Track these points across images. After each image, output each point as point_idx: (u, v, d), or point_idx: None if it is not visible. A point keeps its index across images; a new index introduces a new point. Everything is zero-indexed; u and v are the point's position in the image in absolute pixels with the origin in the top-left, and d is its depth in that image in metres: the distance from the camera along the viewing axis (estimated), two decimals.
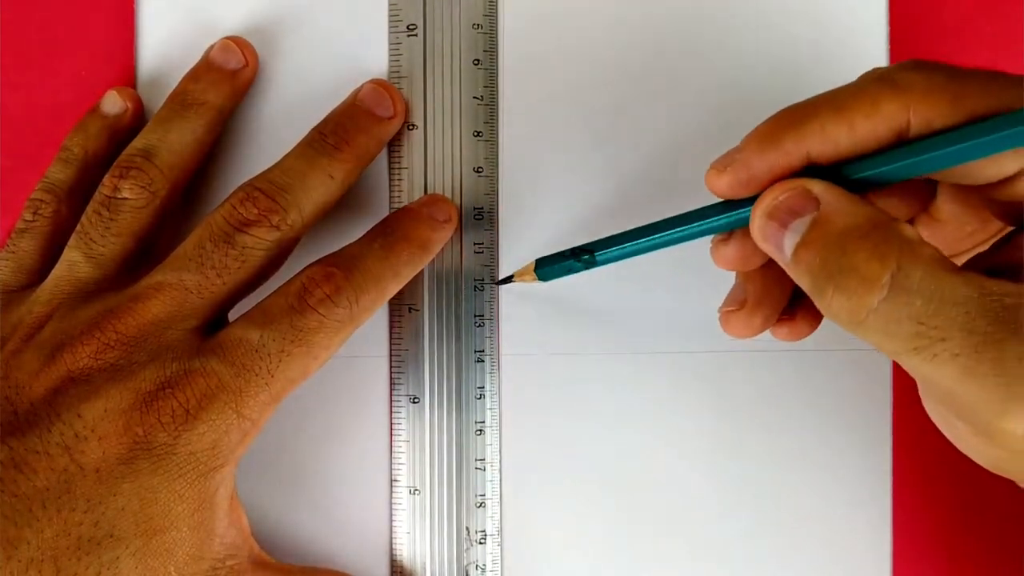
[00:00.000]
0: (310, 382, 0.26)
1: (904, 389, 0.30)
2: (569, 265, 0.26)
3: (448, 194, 0.29)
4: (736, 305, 0.24)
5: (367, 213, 0.30)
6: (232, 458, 0.24)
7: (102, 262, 0.26)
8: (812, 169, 0.20)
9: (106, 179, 0.27)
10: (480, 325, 0.29)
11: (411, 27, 0.29)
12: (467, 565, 0.29)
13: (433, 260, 0.29)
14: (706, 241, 0.29)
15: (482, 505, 0.29)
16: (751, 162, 0.21)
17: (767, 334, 0.30)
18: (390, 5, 0.30)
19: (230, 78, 0.29)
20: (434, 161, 0.29)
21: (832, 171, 0.20)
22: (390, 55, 0.30)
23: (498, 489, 0.30)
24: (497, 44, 0.30)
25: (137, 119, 0.29)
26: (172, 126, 0.27)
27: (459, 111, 0.29)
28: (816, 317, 0.24)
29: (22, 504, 0.22)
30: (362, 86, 0.29)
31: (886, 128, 0.20)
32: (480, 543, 0.29)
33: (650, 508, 0.30)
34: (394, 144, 0.29)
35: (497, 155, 0.30)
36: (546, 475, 0.30)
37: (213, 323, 0.25)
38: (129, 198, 0.26)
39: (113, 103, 0.29)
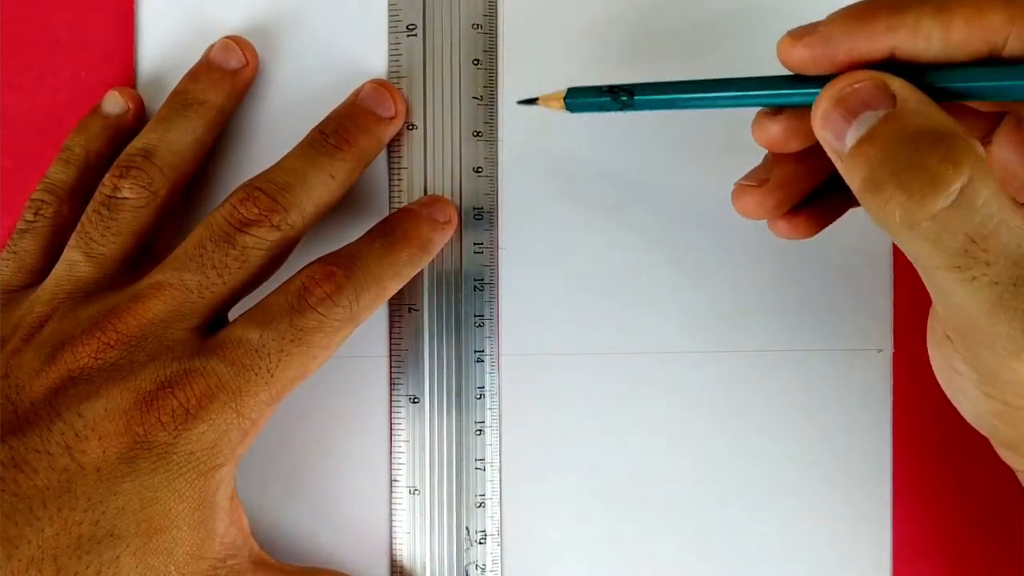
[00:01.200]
0: (310, 382, 0.26)
1: (904, 389, 0.30)
2: (603, 102, 0.24)
3: (448, 194, 0.29)
4: (756, 182, 0.23)
5: (367, 213, 0.30)
6: (232, 457, 0.24)
7: (102, 261, 0.26)
8: (893, 67, 0.19)
9: (106, 179, 0.27)
10: (480, 325, 0.29)
11: (411, 27, 0.29)
12: (467, 565, 0.29)
13: (433, 260, 0.29)
14: (708, 240, 0.30)
15: (482, 505, 0.29)
16: (833, 39, 0.19)
17: (764, 335, 0.30)
18: (390, 5, 0.30)
19: (230, 77, 0.29)
20: (434, 161, 0.29)
21: (914, 75, 0.19)
22: (390, 55, 0.30)
23: (498, 489, 0.30)
24: (497, 44, 0.30)
25: (138, 119, 0.29)
26: (172, 125, 0.27)
27: (459, 111, 0.29)
28: (818, 224, 0.24)
29: (22, 503, 0.22)
30: (363, 86, 0.29)
31: (982, 39, 0.18)
32: (480, 543, 0.29)
33: (650, 508, 0.30)
34: (394, 144, 0.29)
35: (497, 155, 0.30)
36: (546, 475, 0.30)
37: (213, 323, 0.25)
38: (129, 197, 0.26)
39: (115, 103, 0.29)
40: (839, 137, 0.19)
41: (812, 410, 0.30)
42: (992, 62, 0.19)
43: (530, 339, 0.30)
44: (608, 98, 0.24)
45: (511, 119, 0.30)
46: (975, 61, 0.19)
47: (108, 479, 0.22)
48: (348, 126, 0.27)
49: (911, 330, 0.30)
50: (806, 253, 0.30)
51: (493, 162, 0.30)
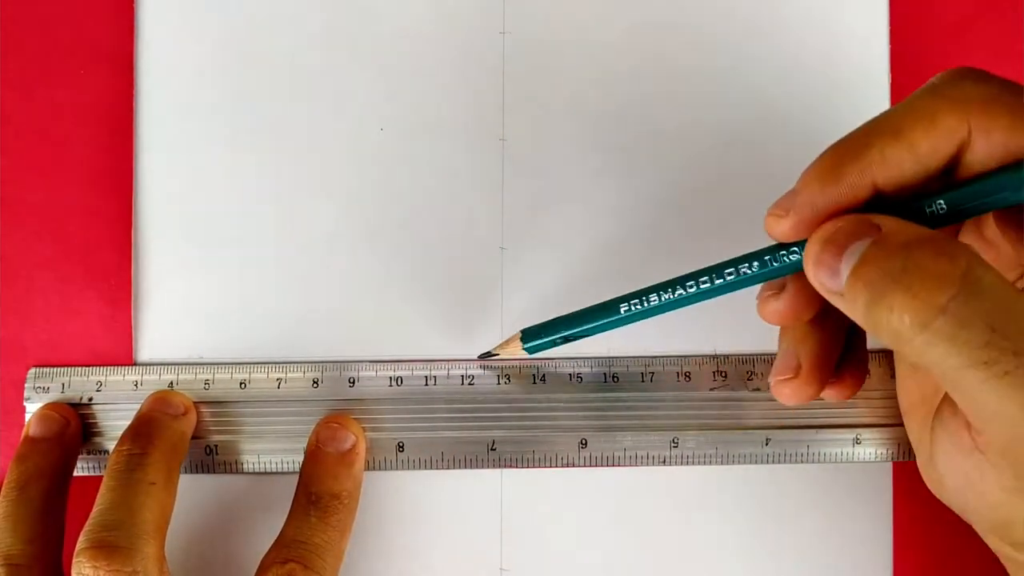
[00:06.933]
0: None
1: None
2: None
3: None
4: (791, 372, 0.23)
5: None
6: None
7: None
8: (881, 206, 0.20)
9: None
10: None
11: None
12: None
13: None
14: (710, 241, 0.29)
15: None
16: (815, 201, 0.20)
17: (763, 337, 0.29)
18: None
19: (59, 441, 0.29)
20: None
21: (905, 207, 0.20)
22: None
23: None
24: None
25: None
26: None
27: None
28: (861, 374, 0.24)
29: None
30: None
31: (947, 143, 0.19)
32: None
33: (646, 512, 0.30)
34: None
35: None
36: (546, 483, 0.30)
37: None
38: None
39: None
40: (834, 274, 0.19)
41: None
42: (966, 181, 0.19)
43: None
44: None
45: (513, 119, 0.30)
46: (953, 165, 0.20)
47: None
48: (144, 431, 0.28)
49: None
50: None
51: None
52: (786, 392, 0.23)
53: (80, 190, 0.30)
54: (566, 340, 0.26)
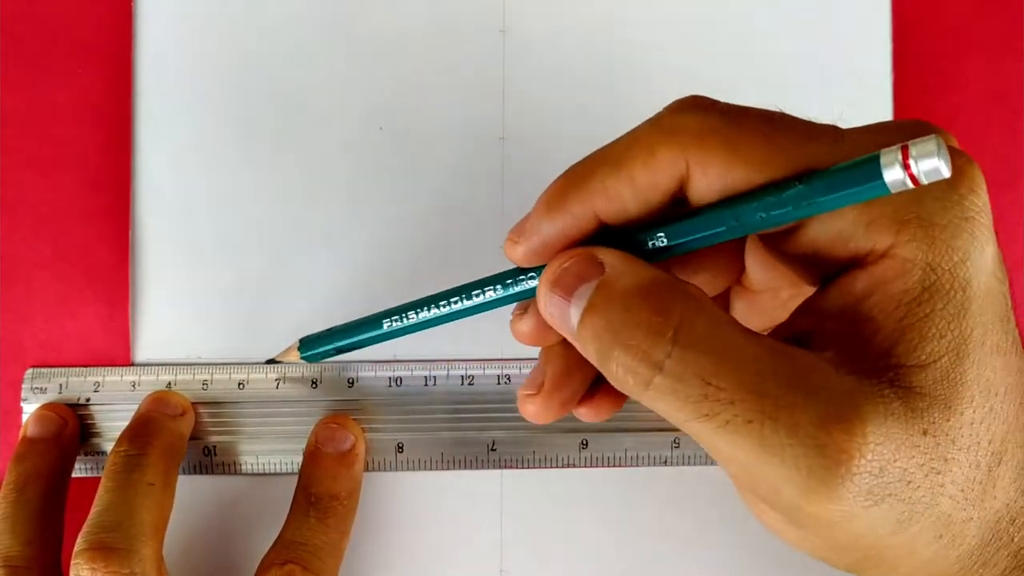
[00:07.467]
0: None
1: None
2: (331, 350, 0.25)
3: None
4: (534, 389, 0.21)
5: None
6: None
7: None
8: (610, 236, 0.19)
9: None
10: None
11: None
12: None
13: None
14: None
15: None
16: (542, 229, 0.19)
17: None
18: None
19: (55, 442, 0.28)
20: None
21: (630, 239, 0.19)
22: None
23: None
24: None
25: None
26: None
27: None
28: (619, 396, 0.22)
29: None
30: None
31: (667, 177, 0.18)
32: None
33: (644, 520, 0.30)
34: None
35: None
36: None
37: None
38: None
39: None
40: (565, 318, 0.19)
41: None
42: (687, 213, 0.19)
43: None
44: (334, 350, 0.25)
45: (513, 119, 0.30)
46: (673, 216, 0.19)
47: None
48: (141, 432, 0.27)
49: None
50: None
51: None
52: (530, 409, 0.21)
53: (78, 190, 0.30)
54: (339, 351, 0.25)
